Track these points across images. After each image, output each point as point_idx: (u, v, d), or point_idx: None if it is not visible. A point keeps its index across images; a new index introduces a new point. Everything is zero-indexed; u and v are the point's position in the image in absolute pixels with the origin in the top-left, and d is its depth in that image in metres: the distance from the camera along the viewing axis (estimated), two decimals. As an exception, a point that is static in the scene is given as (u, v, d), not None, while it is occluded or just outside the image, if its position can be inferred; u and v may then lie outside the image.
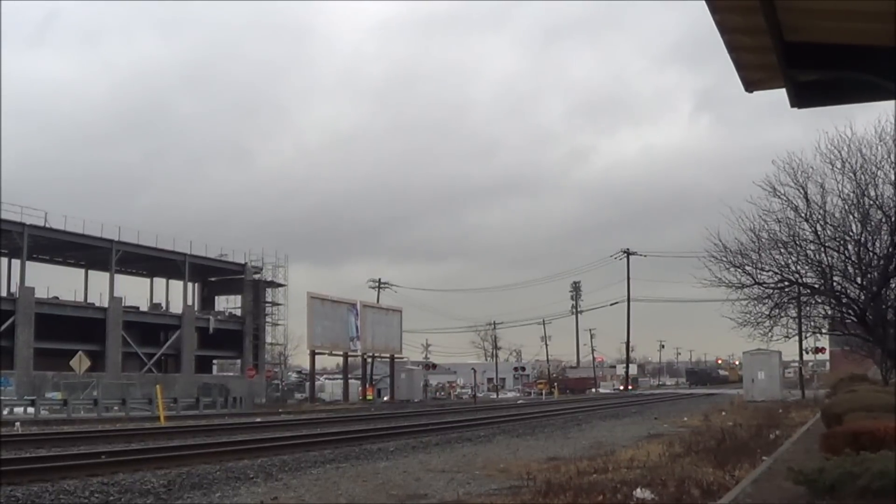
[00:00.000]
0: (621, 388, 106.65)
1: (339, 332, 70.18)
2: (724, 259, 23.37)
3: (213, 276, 76.67)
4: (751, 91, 5.71)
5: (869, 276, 21.37)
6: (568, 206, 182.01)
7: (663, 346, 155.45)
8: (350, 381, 74.28)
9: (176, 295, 73.30)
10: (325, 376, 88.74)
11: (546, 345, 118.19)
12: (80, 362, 45.33)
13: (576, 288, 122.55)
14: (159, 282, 75.70)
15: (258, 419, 39.43)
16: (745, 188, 36.69)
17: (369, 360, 77.72)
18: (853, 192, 21.28)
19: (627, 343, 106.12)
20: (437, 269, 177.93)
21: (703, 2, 4.47)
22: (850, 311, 22.58)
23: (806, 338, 41.94)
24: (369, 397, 71.21)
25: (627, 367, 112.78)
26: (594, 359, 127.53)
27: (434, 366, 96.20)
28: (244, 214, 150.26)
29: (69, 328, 58.90)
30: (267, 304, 76.42)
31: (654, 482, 12.28)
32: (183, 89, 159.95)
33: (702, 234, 24.58)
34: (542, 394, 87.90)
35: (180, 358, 68.61)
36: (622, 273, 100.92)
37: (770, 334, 26.32)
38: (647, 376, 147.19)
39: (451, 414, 43.31)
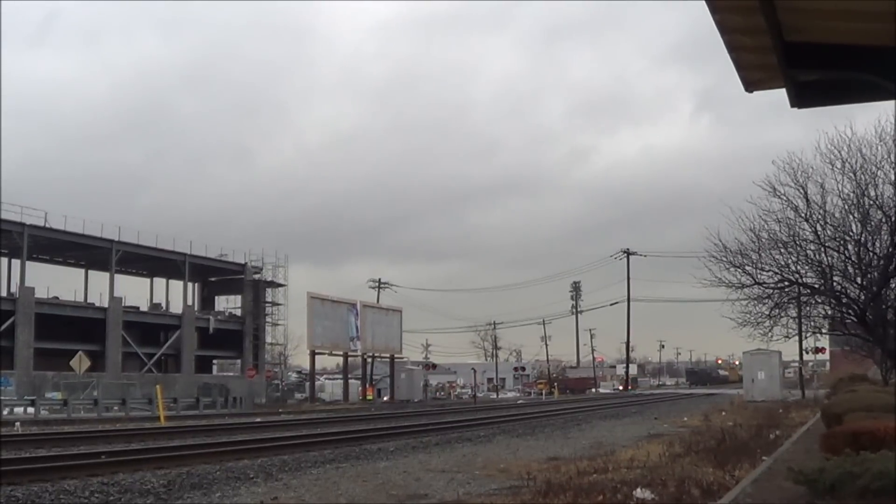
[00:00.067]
0: (621, 388, 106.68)
1: (339, 332, 70.19)
2: (724, 259, 23.40)
3: (213, 276, 76.69)
4: (751, 91, 5.71)
5: (869, 276, 21.37)
6: (568, 206, 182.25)
7: (663, 346, 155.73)
8: (350, 381, 74.29)
9: (176, 295, 73.50)
10: (325, 376, 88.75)
11: (546, 345, 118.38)
12: (80, 362, 45.34)
13: (576, 288, 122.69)
14: (159, 282, 75.78)
15: (258, 419, 39.43)
16: (746, 188, 36.71)
17: (369, 360, 77.73)
18: (853, 192, 21.30)
19: (627, 343, 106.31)
20: (437, 269, 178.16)
21: (703, 2, 4.47)
22: (850, 311, 22.59)
23: (806, 338, 42.02)
24: (369, 397, 71.22)
25: (627, 367, 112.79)
26: (594, 359, 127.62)
27: (434, 366, 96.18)
28: (244, 214, 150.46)
29: (69, 328, 58.91)
30: (267, 304, 76.44)
31: (654, 482, 12.28)
32: (183, 89, 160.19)
33: (702, 234, 24.61)
34: (542, 394, 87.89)
35: (180, 358, 68.62)
36: (622, 273, 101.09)
37: (770, 334, 26.36)
38: (647, 376, 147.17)
39: (451, 414, 43.31)
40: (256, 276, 75.16)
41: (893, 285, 22.28)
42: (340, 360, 79.49)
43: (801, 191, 21.80)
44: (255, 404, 59.71)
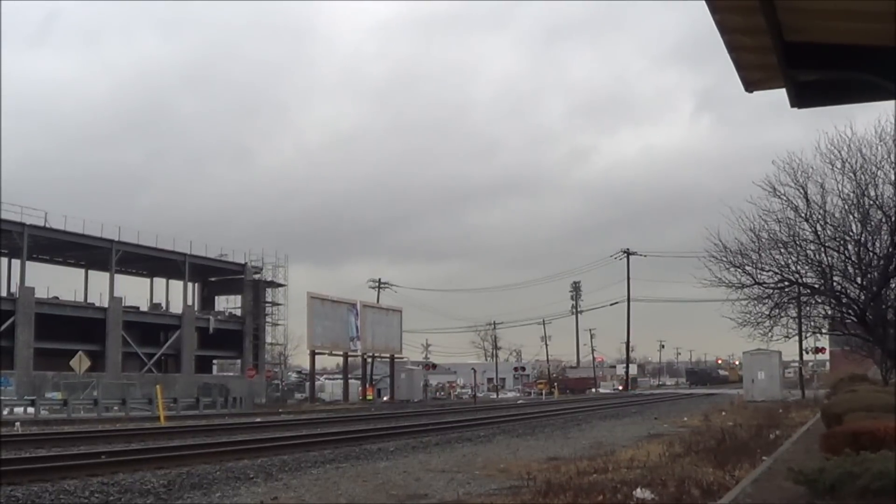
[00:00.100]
0: (620, 388, 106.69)
1: (339, 332, 70.19)
2: (724, 259, 23.39)
3: (213, 276, 76.69)
4: (751, 91, 5.71)
5: (869, 276, 21.37)
6: (568, 206, 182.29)
7: (663, 346, 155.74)
8: (350, 381, 74.29)
9: (176, 295, 73.50)
10: (325, 376, 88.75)
11: (546, 345, 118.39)
12: (80, 362, 45.33)
13: (576, 288, 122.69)
14: (159, 282, 75.78)
15: (258, 419, 39.43)
16: (746, 188, 36.68)
17: (369, 360, 77.72)
18: (853, 192, 21.29)
19: (627, 343, 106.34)
20: (437, 269, 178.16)
21: (703, 2, 4.47)
22: (850, 311, 22.58)
23: (806, 338, 42.01)
24: (369, 397, 71.22)
25: (627, 367, 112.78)
26: (594, 359, 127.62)
27: (434, 366, 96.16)
28: (244, 214, 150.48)
29: (69, 328, 58.91)
30: (267, 304, 76.44)
31: (654, 482, 12.28)
32: (183, 89, 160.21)
33: (702, 234, 24.61)
34: (541, 394, 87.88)
35: (180, 358, 68.63)
36: (622, 273, 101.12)
37: (770, 334, 26.34)
38: (647, 376, 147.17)
39: (451, 414, 43.31)
40: (256, 276, 75.16)
41: (893, 285, 22.27)
42: (340, 360, 79.56)
43: (801, 191, 21.81)
44: (255, 404, 59.71)
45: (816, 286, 23.13)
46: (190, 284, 72.08)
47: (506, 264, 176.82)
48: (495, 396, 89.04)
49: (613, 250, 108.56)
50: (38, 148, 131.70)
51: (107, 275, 64.86)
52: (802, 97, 5.66)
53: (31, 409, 41.16)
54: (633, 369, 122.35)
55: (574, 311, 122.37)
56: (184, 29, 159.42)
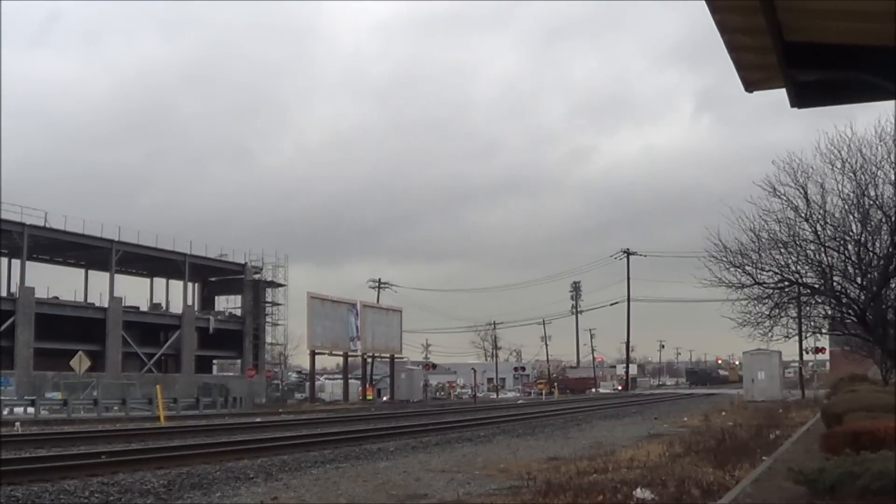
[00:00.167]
0: (620, 388, 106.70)
1: (339, 332, 70.18)
2: (724, 259, 23.39)
3: (213, 276, 76.68)
4: (751, 91, 5.71)
5: (869, 276, 21.37)
6: (568, 206, 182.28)
7: (663, 346, 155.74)
8: (350, 381, 74.28)
9: (176, 295, 73.50)
10: (325, 376, 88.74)
11: (546, 345, 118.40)
12: (80, 362, 45.34)
13: (576, 288, 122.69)
14: (159, 282, 75.77)
15: (258, 419, 39.43)
16: (746, 188, 36.67)
17: (369, 360, 77.72)
18: (853, 192, 21.29)
19: (627, 343, 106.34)
20: (437, 269, 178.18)
21: (703, 2, 4.47)
22: (850, 311, 22.58)
23: (806, 338, 42.00)
24: (369, 397, 71.21)
25: (627, 367, 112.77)
26: (594, 359, 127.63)
27: (434, 366, 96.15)
28: (244, 214, 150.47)
29: (69, 328, 58.91)
30: (267, 304, 76.44)
31: (654, 482, 12.28)
32: (184, 89, 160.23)
33: (702, 234, 24.62)
34: (542, 394, 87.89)
35: (180, 358, 68.62)
36: (622, 273, 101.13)
37: (770, 334, 26.35)
38: (647, 376, 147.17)
39: (451, 414, 43.31)
40: (256, 276, 75.16)
41: (893, 285, 22.27)
42: (340, 360, 79.56)
43: (801, 191, 21.81)
44: (255, 404, 59.72)
45: (816, 286, 23.13)
46: (190, 284, 72.09)
47: (506, 264, 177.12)
48: (495, 396, 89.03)
49: (613, 250, 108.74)
50: (38, 148, 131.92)
51: (107, 275, 64.85)
52: (802, 97, 5.67)
53: (31, 409, 41.16)
54: (633, 369, 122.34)
55: (574, 311, 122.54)
56: (184, 29, 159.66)
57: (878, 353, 32.48)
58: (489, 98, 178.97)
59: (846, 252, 21.65)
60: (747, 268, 23.18)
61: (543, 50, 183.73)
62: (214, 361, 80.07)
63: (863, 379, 35.94)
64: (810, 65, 5.28)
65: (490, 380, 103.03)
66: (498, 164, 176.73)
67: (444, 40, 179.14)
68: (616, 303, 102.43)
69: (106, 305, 63.48)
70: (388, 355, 77.51)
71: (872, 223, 21.19)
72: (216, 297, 79.46)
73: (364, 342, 73.83)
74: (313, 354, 68.46)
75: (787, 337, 28.68)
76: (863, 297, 21.63)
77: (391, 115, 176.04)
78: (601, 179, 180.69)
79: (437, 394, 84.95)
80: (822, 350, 56.51)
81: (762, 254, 22.98)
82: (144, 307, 70.81)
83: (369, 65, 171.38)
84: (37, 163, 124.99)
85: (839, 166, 21.21)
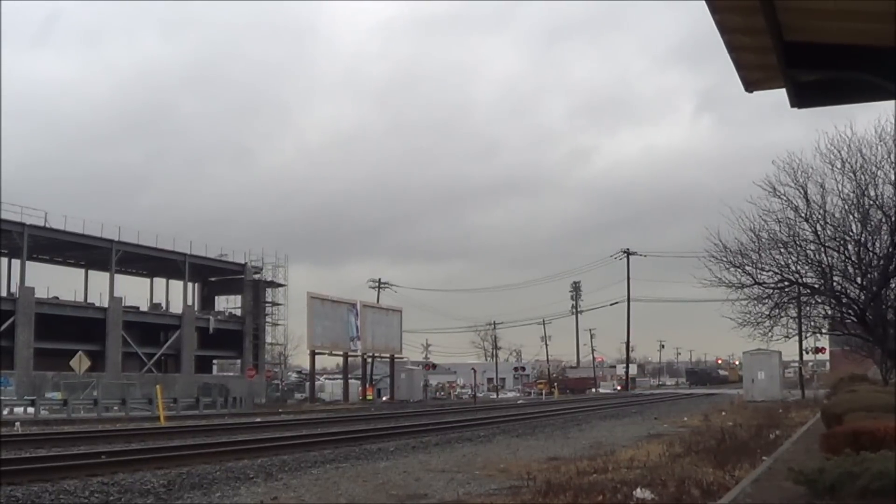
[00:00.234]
0: (620, 388, 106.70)
1: (339, 332, 70.18)
2: (724, 259, 23.42)
3: (213, 276, 76.68)
4: (751, 91, 5.72)
5: (869, 276, 21.38)
6: (569, 207, 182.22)
7: (663, 346, 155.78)
8: (350, 381, 74.26)
9: (176, 295, 73.49)
10: (325, 376, 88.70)
11: (546, 345, 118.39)
12: (80, 362, 45.34)
13: (576, 288, 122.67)
14: (159, 282, 75.77)
15: (258, 419, 39.43)
16: (746, 188, 36.65)
17: (369, 360, 77.72)
18: (853, 192, 21.31)
19: (627, 343, 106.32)
20: (437, 269, 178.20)
21: (704, 2, 4.47)
22: (850, 311, 22.59)
23: (806, 338, 42.02)
24: (369, 397, 71.20)
25: (627, 367, 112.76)
26: (594, 359, 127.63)
27: (434, 366, 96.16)
28: (244, 214, 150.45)
29: (69, 328, 58.91)
30: (267, 304, 76.44)
31: (654, 482, 12.28)
32: (184, 89, 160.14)
33: (702, 234, 24.64)
34: (541, 394, 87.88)
35: (180, 358, 68.62)
36: (622, 273, 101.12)
37: (770, 334, 26.36)
38: (647, 376, 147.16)
39: (451, 414, 43.31)
40: (256, 276, 75.16)
41: (893, 285, 22.28)
42: (340, 360, 79.52)
43: (801, 191, 21.83)
44: (255, 404, 59.70)
45: (816, 286, 23.14)
46: (190, 284, 72.09)
47: (506, 264, 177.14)
48: (495, 396, 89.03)
49: (613, 250, 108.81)
50: (38, 148, 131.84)
51: (107, 275, 64.86)
52: (802, 97, 5.67)
53: (31, 409, 41.15)
54: (633, 369, 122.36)
55: (574, 311, 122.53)
56: (184, 29, 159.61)
57: (878, 353, 32.48)
58: (489, 98, 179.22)
59: (846, 252, 21.66)
60: (747, 268, 23.20)
61: (544, 50, 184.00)
62: (214, 361, 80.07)
63: (863, 379, 35.93)
64: (810, 65, 5.28)
65: (490, 380, 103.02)
66: (498, 165, 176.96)
67: (445, 40, 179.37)
68: (616, 303, 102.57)
69: (106, 305, 63.48)
70: (388, 355, 77.50)
71: (872, 223, 21.20)
72: (216, 297, 79.47)
73: (364, 342, 73.83)
74: (313, 354, 68.46)
75: (787, 337, 28.73)
76: (863, 297, 21.64)
77: (391, 116, 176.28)
78: (601, 179, 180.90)
79: (437, 394, 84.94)
80: (822, 350, 56.52)
81: (762, 254, 23.01)
82: (144, 307, 70.82)
83: (369, 65, 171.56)
84: (37, 163, 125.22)
85: (839, 166, 21.26)
